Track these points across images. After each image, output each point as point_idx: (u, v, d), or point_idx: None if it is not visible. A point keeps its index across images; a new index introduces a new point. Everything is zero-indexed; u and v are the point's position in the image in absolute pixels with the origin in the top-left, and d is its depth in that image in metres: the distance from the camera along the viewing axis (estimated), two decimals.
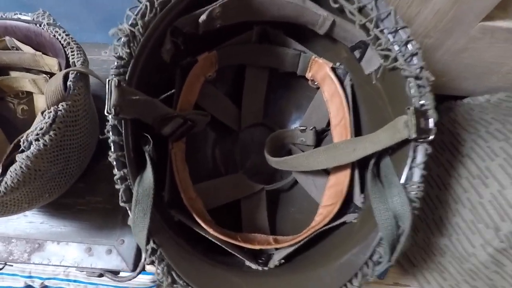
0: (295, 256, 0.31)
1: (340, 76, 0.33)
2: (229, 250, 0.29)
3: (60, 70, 0.37)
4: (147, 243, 0.23)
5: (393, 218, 0.23)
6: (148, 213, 0.23)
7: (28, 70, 0.42)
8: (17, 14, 0.38)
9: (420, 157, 0.24)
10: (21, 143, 0.29)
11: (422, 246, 0.32)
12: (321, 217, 0.32)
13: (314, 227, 0.30)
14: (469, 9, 0.29)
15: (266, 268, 0.29)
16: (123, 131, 0.24)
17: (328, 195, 0.32)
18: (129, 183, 0.24)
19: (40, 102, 0.45)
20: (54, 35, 0.36)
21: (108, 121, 0.24)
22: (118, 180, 0.23)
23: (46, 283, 0.58)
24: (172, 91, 0.31)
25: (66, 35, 0.36)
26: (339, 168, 0.32)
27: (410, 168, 0.24)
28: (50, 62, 0.38)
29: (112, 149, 0.23)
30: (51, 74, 0.41)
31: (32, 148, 0.29)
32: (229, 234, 0.30)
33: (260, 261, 0.30)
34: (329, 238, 0.31)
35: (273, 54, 0.34)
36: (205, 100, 0.35)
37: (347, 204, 0.31)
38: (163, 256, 0.23)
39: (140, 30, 0.24)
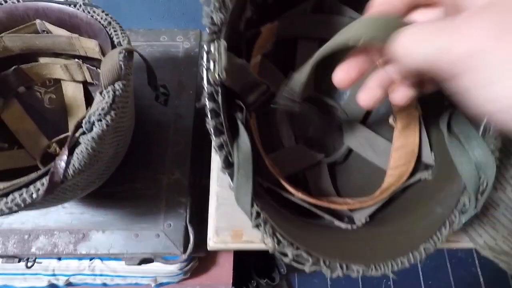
0: (376, 215, 0.32)
1: None
2: (317, 212, 0.30)
3: (102, 52, 0.35)
4: (252, 206, 0.24)
5: (475, 169, 0.24)
6: (251, 177, 0.23)
7: (57, 56, 0.40)
8: None
9: None
10: (83, 125, 0.28)
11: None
12: (393, 178, 0.33)
13: (390, 188, 0.31)
14: None
15: (354, 226, 0.30)
16: (219, 99, 0.24)
17: (396, 157, 0.33)
18: (229, 150, 0.24)
19: (69, 90, 0.43)
20: (92, 16, 0.35)
21: (204, 88, 0.23)
22: (217, 148, 0.23)
23: (71, 279, 0.57)
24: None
25: (106, 14, 0.35)
26: (405, 130, 0.33)
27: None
28: (88, 45, 0.36)
29: (209, 117, 0.23)
30: (83, 58, 0.40)
31: (95, 129, 0.28)
32: (314, 197, 0.31)
33: (344, 221, 0.31)
34: (404, 197, 0.33)
35: (327, 23, 0.34)
36: (263, 73, 0.35)
37: (416, 163, 0.32)
38: (267, 219, 0.24)
39: None
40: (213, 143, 0.23)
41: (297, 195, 0.29)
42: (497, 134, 0.25)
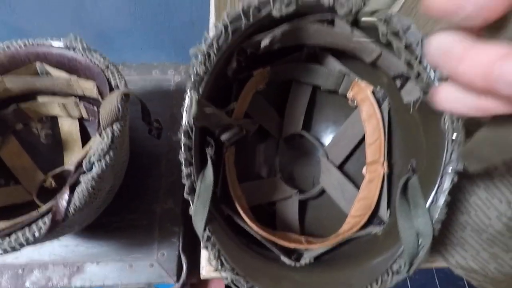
0: (322, 257, 0.35)
1: (379, 100, 0.37)
2: (267, 245, 0.33)
3: (99, 93, 0.38)
4: (204, 230, 0.27)
5: (415, 235, 0.27)
6: (207, 205, 0.27)
7: (54, 94, 0.42)
8: (48, 40, 0.39)
9: (447, 184, 0.27)
10: (83, 165, 0.30)
11: (445, 225, 0.37)
12: (348, 226, 0.36)
13: (342, 234, 0.34)
14: None
15: (298, 264, 0.33)
16: (193, 136, 0.27)
17: (357, 207, 0.36)
18: (193, 179, 0.27)
19: (65, 125, 0.45)
20: (91, 60, 0.37)
21: (182, 125, 0.27)
22: (185, 176, 0.27)
23: None
24: (232, 104, 0.35)
25: (104, 58, 0.37)
26: (370, 183, 0.36)
27: (436, 193, 0.27)
28: (86, 85, 0.38)
29: (182, 150, 0.27)
30: (80, 96, 0.42)
31: (95, 168, 0.30)
32: (268, 231, 0.33)
33: (292, 257, 0.34)
34: (354, 244, 0.35)
35: (319, 73, 0.38)
36: (254, 109, 0.38)
37: (372, 217, 0.35)
38: (215, 243, 0.27)
39: (215, 51, 0.27)
40: (182, 172, 0.27)
41: (252, 228, 0.32)
42: (444, 208, 0.27)
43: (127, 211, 0.45)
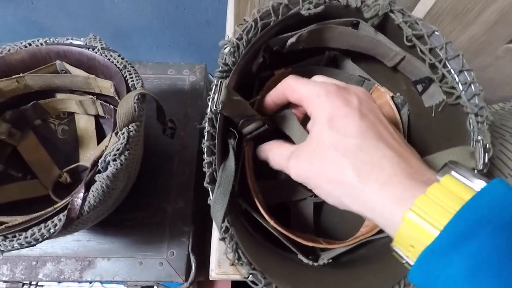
0: (341, 258, 0.34)
1: (398, 105, 0.36)
2: (285, 242, 0.32)
3: (116, 92, 0.38)
4: (223, 221, 0.26)
5: None
6: (227, 196, 0.26)
7: (72, 92, 0.43)
8: (69, 39, 0.39)
9: None
10: (99, 164, 0.31)
11: None
12: (367, 229, 0.35)
13: (361, 236, 0.33)
14: (498, 34, 0.34)
15: (315, 264, 0.32)
16: (217, 124, 0.27)
17: None
18: (215, 168, 0.27)
19: (82, 122, 0.46)
20: (109, 59, 0.38)
21: (207, 114, 0.27)
22: (206, 165, 0.27)
23: None
24: (256, 98, 0.35)
25: (122, 58, 0.38)
26: None
27: None
28: (104, 85, 0.39)
29: (205, 138, 0.27)
30: (97, 94, 0.43)
31: (110, 168, 0.30)
32: (285, 229, 0.33)
33: (309, 257, 0.33)
34: (371, 247, 0.35)
35: (339, 77, 0.37)
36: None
37: None
38: (233, 235, 0.26)
39: (244, 43, 0.28)
40: (203, 161, 0.27)
41: (270, 222, 0.31)
42: None
43: (139, 209, 0.46)
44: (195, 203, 0.47)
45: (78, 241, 0.43)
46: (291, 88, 0.27)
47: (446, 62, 0.29)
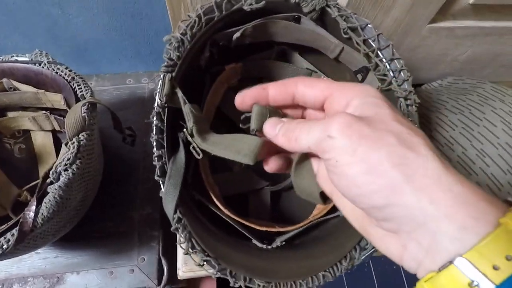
0: (294, 241, 0.36)
1: None
2: (239, 229, 0.33)
3: (67, 104, 0.38)
4: (175, 212, 0.27)
5: None
6: (178, 187, 0.27)
7: (25, 109, 0.43)
8: (14, 56, 0.39)
9: None
10: (50, 175, 0.31)
11: None
12: (317, 211, 0.37)
13: (311, 218, 0.35)
14: (419, 16, 0.37)
15: (269, 247, 0.34)
16: (165, 118, 0.28)
17: None
18: (165, 161, 0.27)
19: (38, 139, 0.45)
20: (57, 72, 0.38)
21: (154, 108, 0.28)
22: (156, 158, 0.27)
23: None
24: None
25: (69, 70, 0.38)
26: None
27: None
28: (54, 98, 0.39)
29: (154, 132, 0.27)
30: (50, 109, 0.43)
31: (62, 178, 0.31)
32: (240, 217, 0.34)
33: (264, 241, 0.35)
34: (323, 228, 0.37)
35: (288, 70, 0.39)
36: (226, 104, 0.40)
37: None
38: (186, 225, 0.27)
39: (188, 38, 0.29)
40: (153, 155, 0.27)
41: (224, 211, 0.32)
42: None
43: (105, 219, 0.45)
44: (162, 208, 0.47)
45: (45, 259, 0.43)
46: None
47: (379, 52, 0.31)
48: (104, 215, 0.45)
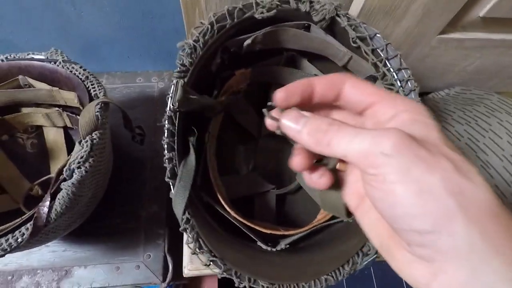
0: (298, 244, 0.36)
1: None
2: (245, 231, 0.34)
3: (80, 102, 0.39)
4: (184, 213, 0.28)
5: None
6: (188, 189, 0.28)
7: (38, 105, 0.44)
8: (30, 54, 0.40)
9: None
10: (63, 172, 0.32)
11: None
12: (322, 215, 0.38)
13: (315, 222, 0.36)
14: (429, 27, 0.37)
15: (274, 250, 0.34)
16: (176, 122, 0.28)
17: None
18: (175, 164, 0.28)
19: (50, 135, 0.47)
20: (71, 71, 0.39)
21: (166, 112, 0.29)
22: (167, 160, 0.28)
23: None
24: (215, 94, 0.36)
25: (84, 70, 0.39)
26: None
27: None
28: (68, 96, 0.40)
29: (165, 135, 0.28)
30: (63, 106, 0.44)
31: (75, 175, 0.32)
32: (246, 219, 0.35)
33: (268, 244, 0.35)
34: (327, 232, 0.37)
35: (296, 76, 0.40)
36: (235, 107, 0.40)
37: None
38: (194, 225, 0.28)
39: (201, 45, 0.29)
40: (164, 157, 0.28)
41: (231, 213, 0.33)
42: None
43: (113, 215, 0.46)
44: (169, 207, 0.48)
45: (54, 252, 0.44)
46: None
47: (387, 61, 0.31)
48: (112, 212, 0.46)
